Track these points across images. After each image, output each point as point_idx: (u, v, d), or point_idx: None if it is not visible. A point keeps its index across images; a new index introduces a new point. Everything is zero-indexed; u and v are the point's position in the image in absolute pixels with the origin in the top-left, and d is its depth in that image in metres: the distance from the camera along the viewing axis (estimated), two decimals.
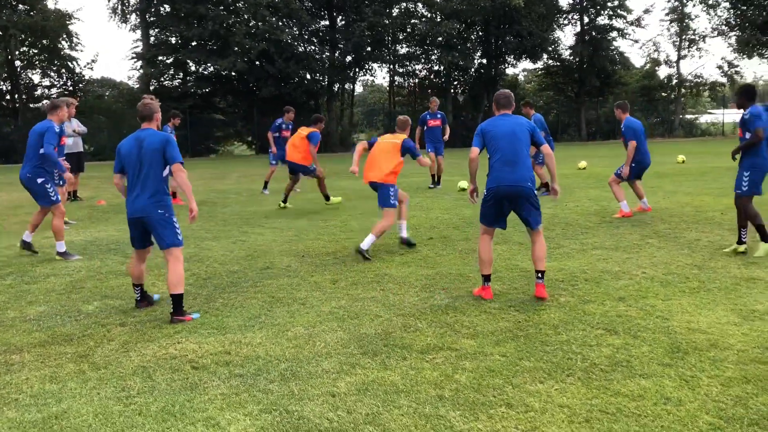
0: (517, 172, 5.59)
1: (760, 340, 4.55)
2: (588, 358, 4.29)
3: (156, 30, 37.48)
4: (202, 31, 34.00)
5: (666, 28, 47.20)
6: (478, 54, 41.51)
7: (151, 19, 36.96)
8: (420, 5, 39.63)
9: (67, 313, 5.63)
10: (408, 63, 41.37)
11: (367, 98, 59.85)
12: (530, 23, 38.07)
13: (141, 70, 37.36)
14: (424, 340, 4.71)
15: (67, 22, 35.21)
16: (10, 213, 12.40)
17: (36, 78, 37.13)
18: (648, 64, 45.92)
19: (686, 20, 43.08)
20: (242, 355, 4.52)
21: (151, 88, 36.78)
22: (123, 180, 5.58)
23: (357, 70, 40.65)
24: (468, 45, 39.64)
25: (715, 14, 42.32)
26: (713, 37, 44.23)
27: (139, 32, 37.58)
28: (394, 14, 38.99)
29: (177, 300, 5.36)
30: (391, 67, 41.49)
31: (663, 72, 46.03)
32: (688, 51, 43.94)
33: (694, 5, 45.16)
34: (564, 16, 42.79)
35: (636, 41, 57.49)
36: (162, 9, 36.58)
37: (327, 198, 12.33)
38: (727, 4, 41.18)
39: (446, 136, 14.88)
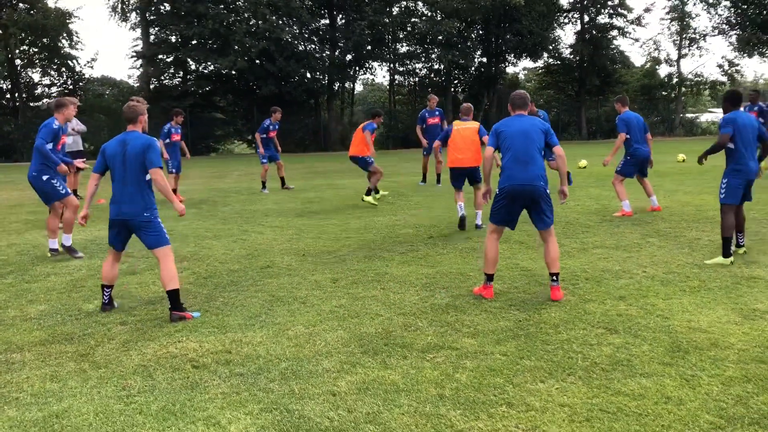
0: (529, 171, 5.59)
1: (760, 339, 4.55)
2: (589, 357, 4.29)
3: (156, 28, 37.47)
4: (202, 30, 33.99)
5: (666, 26, 47.23)
6: (479, 53, 41.50)
7: (151, 17, 36.95)
8: (420, 4, 39.64)
9: (67, 311, 5.63)
10: (408, 62, 41.37)
11: (368, 97, 59.81)
12: (530, 22, 38.06)
13: (141, 69, 37.36)
14: (425, 339, 4.71)
15: (68, 21, 35.25)
16: (11, 212, 12.40)
17: (36, 77, 37.18)
18: (648, 63, 45.93)
19: (687, 19, 43.07)
20: (243, 354, 4.52)
21: (152, 86, 36.82)
22: (98, 180, 5.69)
23: (357, 68, 40.65)
24: (468, 44, 39.63)
25: (716, 13, 42.35)
26: (714, 35, 44.18)
27: (139, 31, 37.59)
28: (395, 13, 38.99)
29: (173, 296, 5.41)
30: (392, 65, 41.49)
31: (663, 71, 46.05)
32: (689, 50, 43.95)
33: (694, 4, 45.26)
34: (564, 14, 42.80)
35: (636, 40, 57.67)
36: (162, 8, 36.57)
37: (368, 192, 11.93)
38: (727, 3, 41.19)
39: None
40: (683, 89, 44.03)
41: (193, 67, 37.95)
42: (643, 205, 10.25)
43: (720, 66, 43.81)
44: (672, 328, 4.80)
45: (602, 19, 42.45)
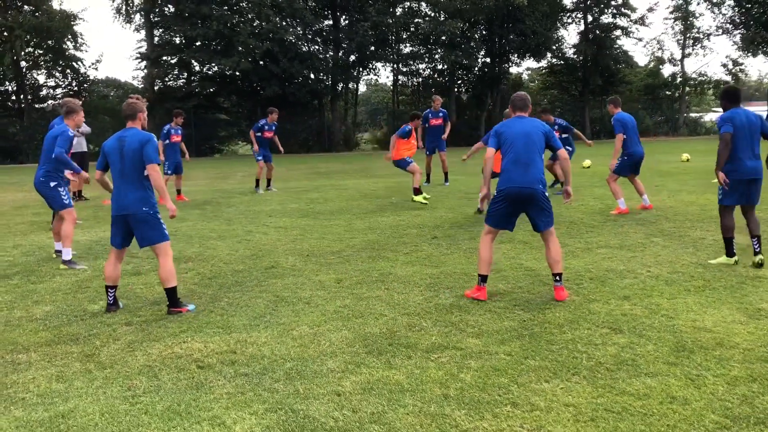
0: (529, 173, 5.58)
1: (766, 338, 4.54)
2: (593, 357, 4.29)
3: (160, 30, 37.54)
4: (207, 31, 34.06)
5: (670, 26, 46.96)
6: (482, 53, 41.44)
7: (156, 19, 37.02)
8: (423, 4, 39.59)
9: (73, 312, 5.64)
10: (411, 62, 41.34)
11: (371, 97, 59.86)
12: (534, 22, 38.00)
13: (145, 70, 37.44)
14: (429, 339, 4.71)
15: (72, 23, 35.35)
16: (16, 213, 12.44)
17: (41, 78, 37.33)
18: (652, 63, 45.83)
19: (690, 18, 42.95)
20: (247, 354, 4.53)
21: (156, 88, 36.91)
22: (104, 176, 5.77)
23: (360, 69, 40.65)
24: (471, 44, 39.58)
25: (720, 12, 42.21)
26: (718, 35, 44.12)
27: (143, 32, 37.70)
28: (398, 13, 38.99)
29: (171, 293, 5.51)
30: (395, 66, 41.47)
31: (667, 70, 45.91)
32: (693, 49, 43.81)
33: (698, 3, 45.21)
34: (568, 14, 42.70)
35: (640, 40, 57.32)
36: (166, 9, 36.64)
37: (416, 192, 11.97)
38: (731, 2, 41.06)
39: (446, 135, 14.90)
40: (687, 89, 43.91)
41: (197, 68, 38.03)
42: (633, 204, 10.24)
43: (724, 65, 43.70)
44: (677, 328, 4.79)
45: (606, 18, 42.36)
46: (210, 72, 37.82)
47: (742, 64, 43.06)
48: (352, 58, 38.65)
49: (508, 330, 4.86)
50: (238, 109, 39.78)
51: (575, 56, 43.30)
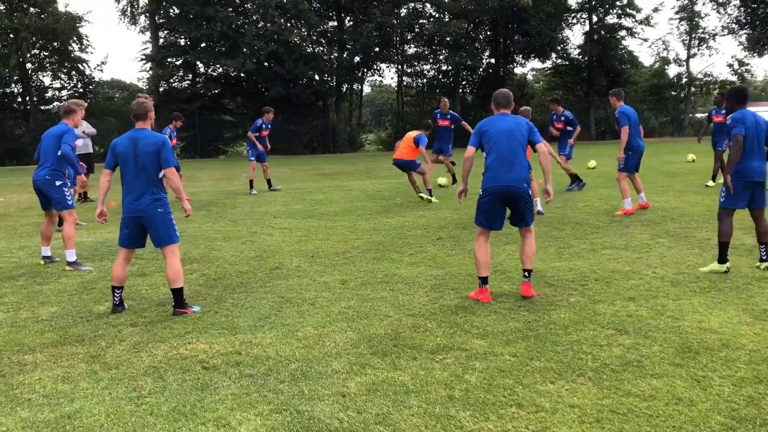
0: (513, 172, 5.57)
1: None
2: (599, 358, 4.28)
3: (165, 31, 37.66)
4: (211, 32, 34.14)
5: (675, 26, 46.93)
6: (487, 54, 41.46)
7: (160, 20, 37.13)
8: (428, 5, 39.63)
9: (78, 313, 5.66)
10: (416, 63, 41.37)
11: (376, 99, 59.90)
12: (539, 22, 37.98)
13: (150, 72, 37.54)
14: (434, 341, 4.71)
15: (78, 25, 35.51)
16: (22, 215, 12.49)
17: (47, 80, 37.54)
18: (657, 63, 45.73)
19: (696, 18, 42.84)
20: (252, 355, 4.53)
21: (161, 89, 37.00)
22: (110, 177, 5.71)
23: (365, 70, 40.70)
24: (476, 45, 39.59)
25: (725, 12, 42.14)
26: (723, 35, 43.94)
27: (148, 34, 37.79)
28: (402, 14, 39.02)
29: (177, 294, 5.54)
30: (399, 67, 41.50)
31: (672, 71, 45.93)
32: (698, 49, 43.73)
33: (703, 3, 45.07)
34: (573, 15, 42.67)
35: (645, 40, 57.28)
36: (171, 11, 36.74)
37: (430, 192, 12.46)
38: (737, 2, 40.94)
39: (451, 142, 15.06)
40: (692, 89, 43.80)
41: (201, 69, 38.13)
42: (622, 205, 10.21)
43: (730, 65, 43.64)
44: (682, 329, 4.78)
45: (611, 19, 42.30)
46: (215, 73, 37.93)
47: (748, 64, 43.01)
48: (357, 59, 38.69)
49: (513, 331, 4.86)
50: (242, 110, 39.86)
51: (580, 57, 43.25)
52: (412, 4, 39.49)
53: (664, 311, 5.21)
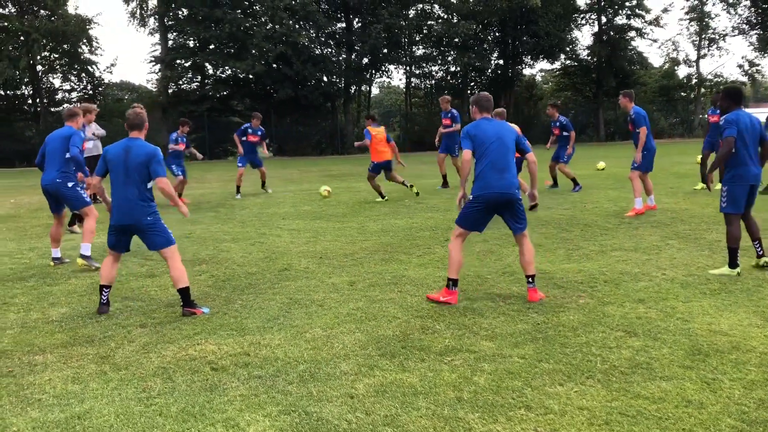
0: (506, 178, 5.57)
1: None
2: (608, 360, 4.26)
3: (174, 33, 37.83)
4: (220, 34, 34.26)
5: (685, 27, 46.69)
6: (495, 55, 41.39)
7: (170, 22, 37.31)
8: (436, 6, 39.63)
9: (88, 314, 5.69)
10: (424, 64, 41.38)
11: (384, 100, 59.91)
12: (547, 23, 37.88)
13: (159, 74, 37.71)
14: (443, 342, 4.70)
15: (87, 27, 35.71)
16: (32, 216, 12.57)
17: (57, 82, 37.82)
18: (667, 64, 45.51)
19: (706, 19, 42.62)
20: (261, 356, 4.54)
21: (170, 91, 37.17)
22: (102, 182, 5.82)
23: (373, 71, 40.74)
24: (485, 46, 39.55)
25: (736, 13, 41.89)
26: (734, 35, 43.72)
27: (157, 36, 37.98)
28: (411, 16, 39.02)
29: (184, 294, 5.57)
30: (408, 68, 41.52)
31: (682, 71, 45.62)
32: (708, 50, 43.50)
33: (713, 4, 44.82)
34: (581, 15, 42.54)
35: (655, 41, 57.20)
36: (180, 13, 36.90)
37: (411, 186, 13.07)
38: (747, 2, 40.71)
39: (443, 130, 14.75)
40: (702, 90, 43.57)
41: (210, 71, 38.27)
42: (632, 207, 10.17)
43: (740, 66, 43.33)
44: (692, 331, 4.75)
45: (620, 20, 42.14)
46: (223, 75, 38.06)
47: (758, 64, 42.73)
48: (365, 60, 38.74)
49: (521, 333, 4.84)
50: (251, 112, 39.92)
51: (589, 58, 43.11)
52: (421, 6, 39.51)
53: (674, 313, 5.18)
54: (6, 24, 34.00)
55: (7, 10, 35.41)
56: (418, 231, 9.32)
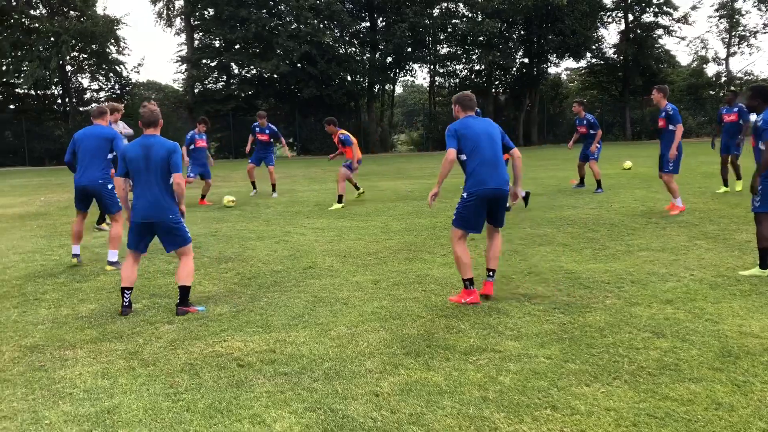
0: (498, 174, 5.57)
1: None
2: (635, 361, 4.22)
3: (200, 33, 38.21)
4: (245, 34, 34.50)
5: (715, 24, 45.90)
6: (520, 53, 41.13)
7: (196, 22, 37.69)
8: (461, 5, 39.51)
9: (116, 311, 5.77)
10: (449, 63, 41.28)
11: (407, 99, 59.90)
12: (573, 21, 37.56)
13: (185, 73, 38.12)
14: (467, 342, 4.69)
15: (115, 27, 36.23)
16: (62, 214, 12.79)
17: (85, 82, 38.47)
18: (695, 62, 44.88)
19: (736, 16, 41.94)
20: (287, 353, 4.57)
21: (196, 90, 37.54)
22: (126, 184, 5.83)
23: (397, 70, 40.73)
24: (509, 44, 39.32)
25: (767, 9, 41.10)
26: (765, 32, 42.91)
27: (183, 36, 38.45)
28: (435, 14, 38.95)
29: (184, 292, 5.65)
30: (432, 67, 41.44)
31: (711, 70, 44.95)
32: (738, 48, 42.85)
33: (744, 1, 43.92)
34: (608, 13, 42.10)
35: (683, 39, 56.39)
36: (206, 13, 37.26)
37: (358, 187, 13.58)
38: None
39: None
40: (732, 88, 42.88)
41: (236, 71, 38.60)
42: (658, 206, 10.03)
43: None
44: (722, 333, 4.68)
45: (647, 17, 41.67)
46: (248, 75, 38.34)
47: None
48: (389, 59, 38.75)
49: (547, 333, 4.81)
50: (275, 111, 40.23)
51: (615, 56, 42.68)
52: (445, 4, 39.43)
53: (703, 314, 5.11)
54: (37, 25, 34.62)
55: (38, 11, 36.06)
56: (441, 230, 9.30)
